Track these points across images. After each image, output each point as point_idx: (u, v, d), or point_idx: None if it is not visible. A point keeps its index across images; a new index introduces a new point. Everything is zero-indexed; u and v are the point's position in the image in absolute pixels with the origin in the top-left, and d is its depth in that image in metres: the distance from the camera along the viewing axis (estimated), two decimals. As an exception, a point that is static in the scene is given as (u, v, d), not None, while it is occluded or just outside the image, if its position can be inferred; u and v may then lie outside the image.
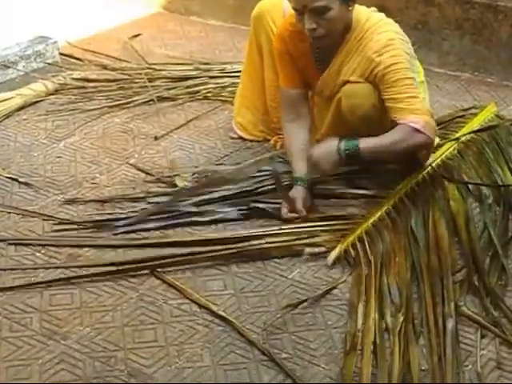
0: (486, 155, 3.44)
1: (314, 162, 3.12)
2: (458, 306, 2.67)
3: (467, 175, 3.32)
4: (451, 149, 3.44)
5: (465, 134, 3.54)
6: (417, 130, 3.03)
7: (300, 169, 3.18)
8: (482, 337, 2.58)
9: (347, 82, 3.15)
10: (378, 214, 3.09)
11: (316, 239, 3.00)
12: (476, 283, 2.78)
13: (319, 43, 3.13)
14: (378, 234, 3.00)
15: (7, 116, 3.91)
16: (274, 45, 3.33)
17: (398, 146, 3.06)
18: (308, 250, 2.96)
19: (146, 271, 2.87)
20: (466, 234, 2.99)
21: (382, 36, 3.09)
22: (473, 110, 3.81)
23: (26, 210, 3.19)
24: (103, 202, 3.23)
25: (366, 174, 3.29)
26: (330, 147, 3.10)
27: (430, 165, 3.30)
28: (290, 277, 2.87)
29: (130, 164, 3.49)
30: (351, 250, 2.94)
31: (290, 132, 3.29)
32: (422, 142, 3.08)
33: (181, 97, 4.07)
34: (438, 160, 3.35)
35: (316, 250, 2.97)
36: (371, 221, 3.05)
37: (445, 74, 4.36)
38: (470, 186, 3.25)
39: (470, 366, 2.48)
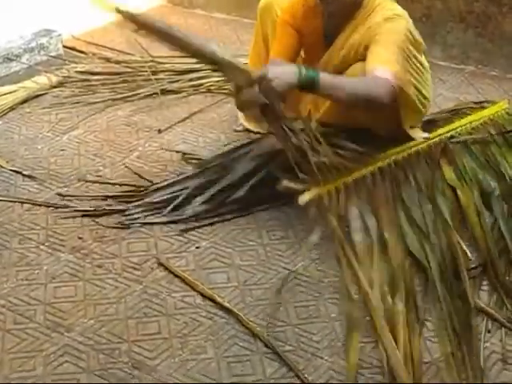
0: (490, 146, 3.36)
1: (268, 79, 2.91)
2: (469, 298, 2.67)
3: (467, 162, 3.26)
4: (452, 132, 3.38)
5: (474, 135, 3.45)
6: (384, 86, 2.95)
7: None
8: (488, 331, 2.59)
9: (350, 65, 3.17)
10: (362, 171, 3.05)
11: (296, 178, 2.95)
12: (484, 275, 2.80)
13: (331, 7, 3.15)
14: (357, 191, 2.98)
15: (11, 109, 3.91)
16: (281, 16, 3.33)
17: (359, 91, 2.97)
18: (285, 182, 2.90)
19: (150, 263, 2.88)
20: (478, 228, 2.97)
21: (389, 12, 3.14)
22: (484, 105, 3.76)
23: (30, 200, 3.21)
24: (106, 197, 3.23)
25: (363, 135, 3.23)
26: (288, 68, 2.98)
27: (427, 141, 3.27)
28: (293, 269, 2.87)
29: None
30: (326, 198, 2.91)
31: None
32: (383, 98, 2.96)
33: (184, 90, 4.07)
34: (437, 139, 3.32)
35: (293, 185, 2.92)
36: (353, 176, 3.02)
37: (449, 67, 4.36)
38: (473, 177, 3.22)
39: (474, 358, 2.47)
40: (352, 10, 3.17)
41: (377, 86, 2.96)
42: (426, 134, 3.32)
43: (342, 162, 3.05)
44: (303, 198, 2.90)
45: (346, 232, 2.82)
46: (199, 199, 3.16)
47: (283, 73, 2.94)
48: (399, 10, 3.19)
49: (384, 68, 2.98)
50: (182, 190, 3.21)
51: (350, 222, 2.87)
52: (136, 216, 3.11)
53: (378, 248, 2.81)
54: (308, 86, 2.95)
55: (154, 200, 3.18)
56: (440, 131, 3.37)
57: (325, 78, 2.95)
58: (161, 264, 2.87)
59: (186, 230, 3.04)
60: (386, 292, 2.65)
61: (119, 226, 3.07)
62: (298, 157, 2.95)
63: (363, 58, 3.11)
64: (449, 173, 3.19)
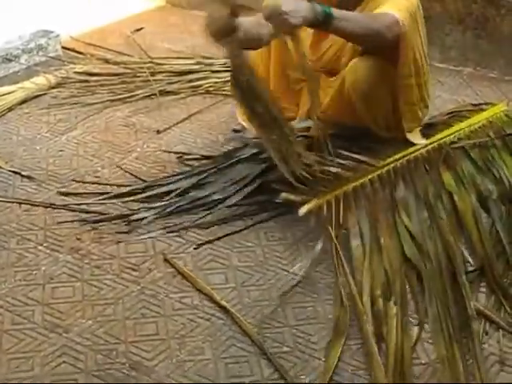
0: (489, 149, 3.35)
1: (282, 12, 2.85)
2: (466, 302, 2.67)
3: (465, 166, 3.26)
4: (451, 136, 3.38)
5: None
6: (390, 22, 2.99)
7: None
8: (486, 333, 2.59)
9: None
10: (361, 180, 3.08)
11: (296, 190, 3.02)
12: (482, 278, 2.80)
13: None
14: (356, 200, 3.03)
15: (10, 109, 3.91)
16: None
17: (370, 25, 3.00)
18: (284, 194, 3.00)
19: (148, 264, 2.88)
20: (475, 232, 2.97)
21: None
22: (483, 107, 3.76)
23: (29, 200, 3.21)
24: (104, 197, 3.23)
25: (362, 141, 3.28)
26: (302, 3, 2.92)
27: (426, 147, 3.27)
28: (291, 270, 2.88)
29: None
30: (325, 208, 2.98)
31: None
32: (388, 33, 3.00)
33: (183, 91, 4.07)
34: (435, 144, 3.32)
35: (292, 197, 3.00)
36: (352, 185, 3.06)
37: (447, 68, 4.36)
38: (471, 182, 3.22)
39: (471, 361, 2.48)
40: None
41: (383, 20, 3.00)
42: (424, 141, 3.32)
43: (343, 172, 3.08)
44: (302, 210, 2.96)
45: (344, 241, 2.90)
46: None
47: (297, 7, 2.90)
48: None
49: (393, 12, 3.01)
50: (180, 191, 3.22)
51: (349, 231, 2.93)
52: (134, 217, 3.11)
53: (375, 254, 2.84)
54: (323, 20, 2.91)
55: (152, 200, 3.19)
56: (439, 136, 3.36)
57: (337, 11, 2.95)
58: (166, 260, 2.88)
59: (184, 228, 3.06)
60: (378, 295, 2.67)
61: (117, 226, 3.07)
62: (295, 166, 3.00)
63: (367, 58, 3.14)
64: (448, 179, 3.19)
